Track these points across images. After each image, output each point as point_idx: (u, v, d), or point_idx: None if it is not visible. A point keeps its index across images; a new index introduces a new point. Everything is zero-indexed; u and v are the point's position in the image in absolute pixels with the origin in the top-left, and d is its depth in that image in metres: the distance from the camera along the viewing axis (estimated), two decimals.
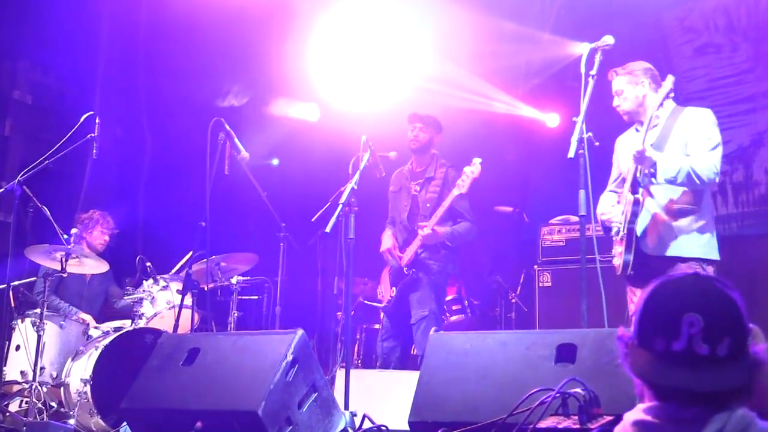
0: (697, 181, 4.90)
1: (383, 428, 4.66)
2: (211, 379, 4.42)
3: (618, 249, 5.04)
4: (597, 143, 4.89)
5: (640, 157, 4.89)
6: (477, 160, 6.45)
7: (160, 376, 4.61)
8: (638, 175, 4.97)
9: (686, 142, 5.03)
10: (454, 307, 8.72)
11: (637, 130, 5.17)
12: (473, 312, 8.83)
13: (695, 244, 4.97)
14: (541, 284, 7.46)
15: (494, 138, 9.15)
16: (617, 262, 5.05)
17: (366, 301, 8.86)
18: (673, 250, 4.95)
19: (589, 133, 4.86)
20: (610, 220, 5.13)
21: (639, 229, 4.98)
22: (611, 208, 5.17)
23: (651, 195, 5.06)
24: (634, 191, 4.97)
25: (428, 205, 6.69)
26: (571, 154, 4.76)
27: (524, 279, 8.50)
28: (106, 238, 7.81)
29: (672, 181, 4.92)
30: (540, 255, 7.55)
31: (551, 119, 9.30)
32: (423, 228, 6.54)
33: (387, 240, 6.89)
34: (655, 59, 5.85)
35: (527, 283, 8.27)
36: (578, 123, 4.86)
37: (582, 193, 4.82)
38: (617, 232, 5.06)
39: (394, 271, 6.83)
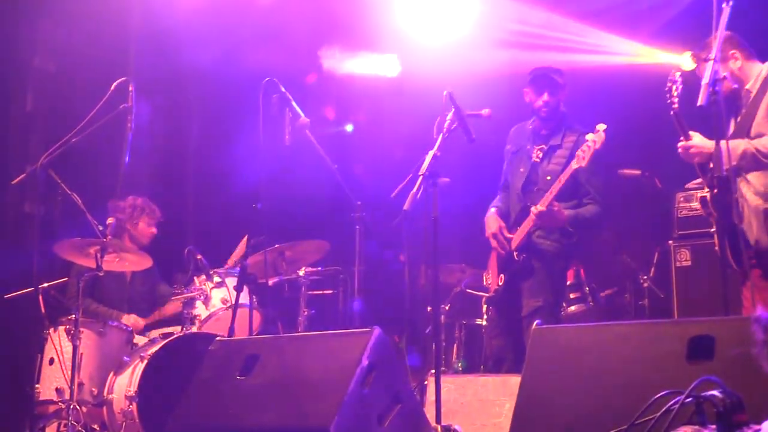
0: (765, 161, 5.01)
1: None
2: (273, 391, 4.47)
3: None
4: (735, 86, 4.79)
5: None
6: (601, 127, 6.34)
7: (211, 390, 4.68)
8: None
9: None
10: (571, 295, 8.66)
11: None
12: (596, 300, 8.75)
13: None
14: (678, 263, 7.36)
15: (614, 92, 9.01)
16: None
17: (469, 290, 8.86)
18: None
19: (725, 73, 4.76)
20: None
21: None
22: None
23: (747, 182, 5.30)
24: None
25: (548, 178, 6.63)
26: (701, 100, 4.68)
27: (658, 258, 8.39)
28: (154, 230, 7.97)
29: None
30: (676, 227, 7.43)
31: (687, 61, 9.12)
32: (536, 206, 6.48)
33: (492, 222, 6.86)
34: None
35: (662, 262, 8.16)
36: (710, 62, 4.77)
37: (723, 144, 4.78)
38: None
39: (503, 256, 6.80)
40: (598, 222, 6.75)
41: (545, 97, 6.75)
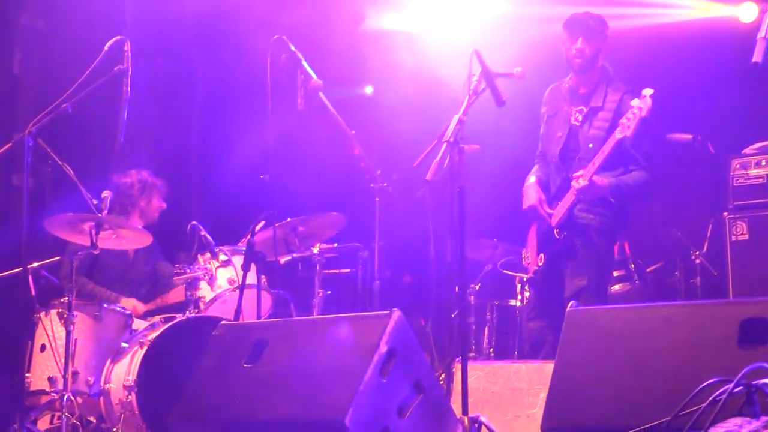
0: None
1: None
2: (282, 380, 4.50)
3: None
4: None
5: None
6: (647, 92, 6.28)
7: (216, 379, 4.73)
8: None
9: None
10: (615, 273, 8.65)
11: None
12: (642, 278, 8.74)
13: None
14: (734, 237, 7.30)
15: (663, 49, 8.98)
16: None
17: (506, 271, 8.87)
18: None
19: None
20: None
21: None
22: None
23: None
24: None
25: (591, 145, 6.56)
26: (757, 56, 4.64)
27: (712, 231, 8.35)
28: (164, 205, 8.08)
29: None
30: (732, 198, 7.38)
31: (746, 12, 9.10)
32: (578, 179, 6.45)
33: (531, 193, 6.82)
34: None
35: (716, 236, 8.11)
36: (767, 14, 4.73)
37: None
38: None
39: (543, 232, 6.79)
40: (644, 191, 6.70)
41: (579, 43, 6.62)
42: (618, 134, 6.30)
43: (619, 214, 6.69)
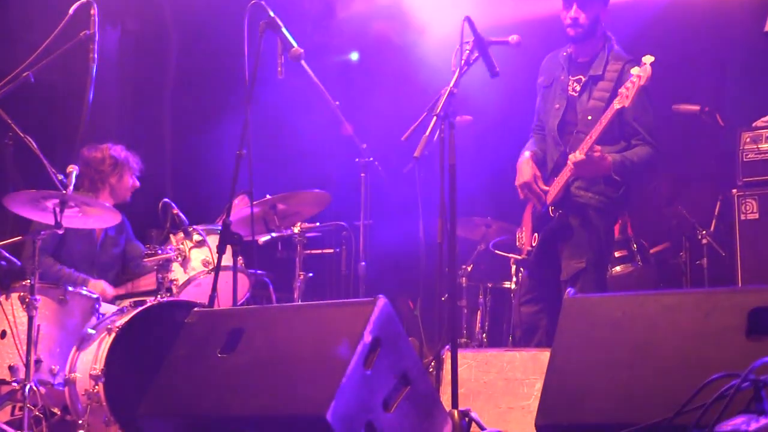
0: None
1: None
2: (260, 372, 4.48)
3: None
4: None
5: None
6: (648, 60, 6.25)
7: (189, 369, 4.71)
8: None
9: None
10: (617, 254, 8.68)
11: None
12: (645, 259, 8.75)
13: None
14: (743, 216, 7.32)
15: (668, 15, 8.96)
16: None
17: (497, 251, 8.87)
18: None
19: None
20: None
21: None
22: None
23: None
24: None
25: (590, 117, 6.54)
26: None
27: (719, 209, 8.36)
28: (137, 183, 8.08)
29: None
30: (741, 173, 7.39)
31: None
32: (575, 153, 6.43)
33: (525, 169, 6.81)
34: None
35: (724, 214, 8.14)
36: None
37: None
38: None
39: (538, 211, 6.79)
40: (649, 166, 6.68)
41: (573, 11, 6.62)
42: (616, 104, 6.28)
43: (620, 193, 6.67)
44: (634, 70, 6.23)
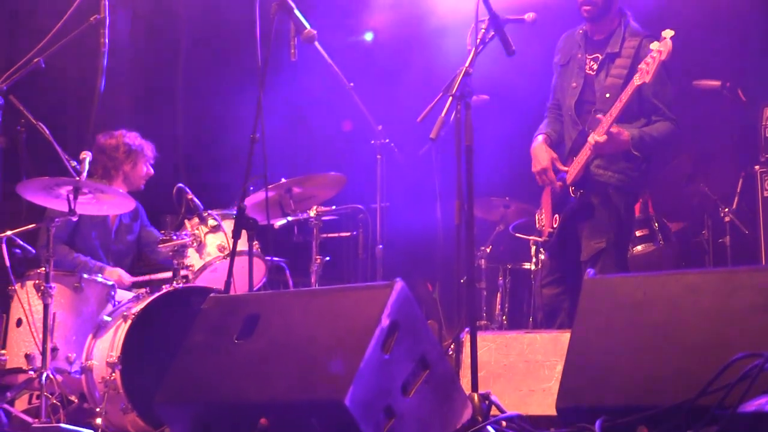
0: None
1: (516, 418, 4.67)
2: (277, 357, 4.48)
3: None
4: None
5: None
6: (668, 34, 6.24)
7: (205, 356, 4.72)
8: None
9: None
10: (637, 233, 8.66)
11: None
12: (666, 238, 8.73)
13: None
14: (766, 193, 7.32)
15: None
16: None
17: (518, 234, 8.86)
18: None
19: None
20: None
21: None
22: None
23: None
24: None
25: (608, 95, 6.52)
26: None
27: (742, 186, 8.33)
28: (151, 171, 8.09)
29: None
30: (763, 149, 7.39)
31: None
32: (594, 133, 6.42)
33: (541, 155, 6.78)
34: None
35: (746, 191, 8.11)
36: None
37: None
38: None
39: (558, 192, 6.77)
40: (670, 141, 6.66)
41: None
42: (637, 80, 6.27)
43: (640, 170, 6.66)
44: (654, 45, 6.22)
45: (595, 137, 6.36)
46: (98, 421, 6.48)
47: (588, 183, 6.60)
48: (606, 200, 6.60)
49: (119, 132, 7.97)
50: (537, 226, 7.07)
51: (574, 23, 6.94)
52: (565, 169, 6.66)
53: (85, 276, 7.05)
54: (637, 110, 6.55)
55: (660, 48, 6.20)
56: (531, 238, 8.29)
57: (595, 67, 6.69)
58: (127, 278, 7.63)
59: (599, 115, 6.46)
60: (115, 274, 7.58)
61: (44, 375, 6.43)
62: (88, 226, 7.71)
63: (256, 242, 6.82)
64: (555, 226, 6.78)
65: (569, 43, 6.92)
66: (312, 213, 7.64)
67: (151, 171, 8.04)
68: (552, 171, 6.71)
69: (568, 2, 7.03)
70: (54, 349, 6.68)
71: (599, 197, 6.60)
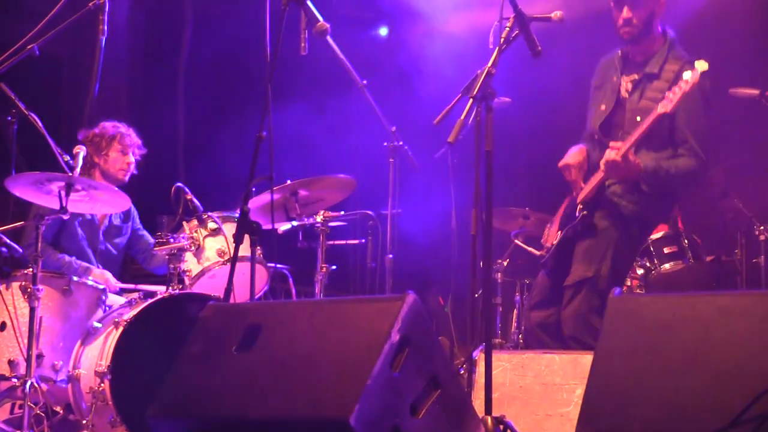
0: None
1: None
2: (278, 372, 4.49)
3: None
4: None
5: None
6: (701, 66, 6.23)
7: (202, 368, 4.71)
8: None
9: None
10: (666, 250, 8.65)
11: None
12: (697, 257, 8.72)
13: None
14: None
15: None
16: None
17: (522, 245, 8.86)
18: None
19: None
20: None
21: None
22: None
23: None
24: None
25: (638, 118, 6.51)
26: None
27: None
28: (130, 159, 7.97)
29: None
30: None
31: None
32: (609, 151, 6.41)
33: (575, 154, 6.79)
34: None
35: None
36: None
37: None
38: None
39: (570, 207, 6.79)
40: (687, 181, 6.63)
41: (625, 12, 6.61)
42: (660, 108, 6.26)
43: (657, 201, 6.67)
44: (686, 75, 6.22)
45: (609, 155, 6.36)
46: None
47: (599, 204, 6.60)
48: (611, 227, 6.59)
49: (104, 122, 7.95)
50: (542, 239, 7.08)
51: (605, 23, 6.94)
52: (583, 185, 6.67)
53: (75, 278, 7.04)
54: (666, 138, 6.52)
55: (688, 78, 6.20)
56: (530, 250, 8.29)
57: (630, 87, 6.69)
58: (115, 284, 7.59)
59: (626, 137, 6.46)
60: (103, 277, 7.55)
61: (28, 383, 6.43)
62: (75, 225, 7.70)
63: (258, 248, 6.83)
64: (554, 242, 6.79)
65: (606, 65, 6.95)
66: (319, 218, 7.63)
67: (128, 161, 7.92)
68: (577, 170, 6.70)
69: (599, 2, 7.03)
70: (39, 356, 6.68)
71: (606, 222, 6.60)
